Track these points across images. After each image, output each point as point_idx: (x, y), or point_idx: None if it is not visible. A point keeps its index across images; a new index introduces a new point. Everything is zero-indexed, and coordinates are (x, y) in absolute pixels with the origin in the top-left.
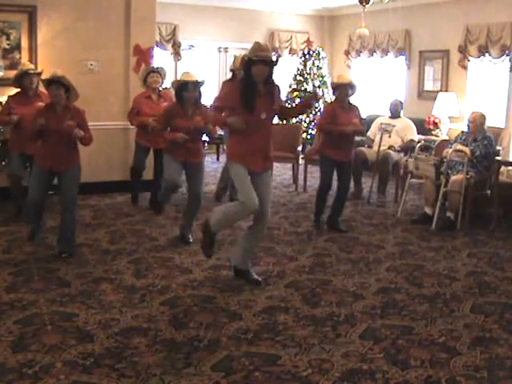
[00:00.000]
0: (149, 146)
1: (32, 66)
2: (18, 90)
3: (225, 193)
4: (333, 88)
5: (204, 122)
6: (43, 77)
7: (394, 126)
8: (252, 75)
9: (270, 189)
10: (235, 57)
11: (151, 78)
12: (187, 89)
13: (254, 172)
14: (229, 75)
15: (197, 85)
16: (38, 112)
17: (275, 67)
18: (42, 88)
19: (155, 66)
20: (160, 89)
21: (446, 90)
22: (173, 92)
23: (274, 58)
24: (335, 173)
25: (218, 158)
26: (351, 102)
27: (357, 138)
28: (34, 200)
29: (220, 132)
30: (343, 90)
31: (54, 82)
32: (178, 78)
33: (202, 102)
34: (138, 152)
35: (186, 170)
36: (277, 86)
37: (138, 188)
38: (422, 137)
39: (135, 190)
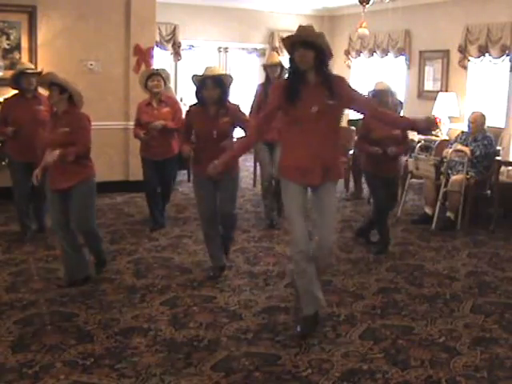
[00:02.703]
0: (156, 160)
1: (30, 65)
2: (16, 91)
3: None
4: (371, 96)
5: (230, 125)
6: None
7: None
8: (295, 62)
9: (331, 210)
10: (269, 55)
11: (152, 82)
12: (206, 86)
13: (309, 186)
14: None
15: (218, 80)
16: (46, 120)
17: (326, 54)
18: (42, 90)
19: (156, 68)
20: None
21: (446, 90)
22: (173, 92)
23: (319, 41)
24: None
25: None
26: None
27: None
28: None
29: None
30: (383, 96)
31: (52, 85)
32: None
33: (229, 101)
34: (145, 169)
35: (217, 185)
36: (339, 77)
37: (157, 209)
38: (422, 137)
39: (154, 212)
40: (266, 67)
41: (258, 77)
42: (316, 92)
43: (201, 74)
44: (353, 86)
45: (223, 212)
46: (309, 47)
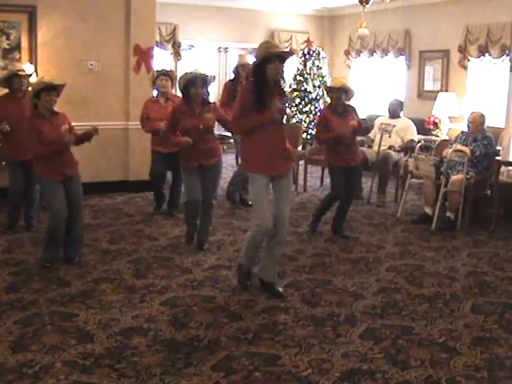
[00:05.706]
0: (165, 152)
1: (22, 67)
2: (7, 90)
3: (235, 194)
4: (326, 92)
5: (213, 120)
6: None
7: (394, 126)
8: (266, 74)
9: (289, 194)
10: (240, 56)
11: (160, 82)
12: (195, 84)
13: (276, 176)
14: (230, 75)
15: (205, 80)
16: (31, 121)
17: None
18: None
19: (166, 69)
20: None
21: (446, 90)
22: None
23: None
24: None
25: None
26: (347, 104)
27: (359, 138)
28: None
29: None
30: (335, 94)
31: (53, 88)
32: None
33: (210, 100)
34: (154, 160)
35: (203, 173)
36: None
37: (161, 198)
38: (422, 137)
39: (158, 199)
40: (238, 67)
41: None
42: (276, 100)
43: (190, 72)
44: None
45: (205, 198)
46: (282, 61)
